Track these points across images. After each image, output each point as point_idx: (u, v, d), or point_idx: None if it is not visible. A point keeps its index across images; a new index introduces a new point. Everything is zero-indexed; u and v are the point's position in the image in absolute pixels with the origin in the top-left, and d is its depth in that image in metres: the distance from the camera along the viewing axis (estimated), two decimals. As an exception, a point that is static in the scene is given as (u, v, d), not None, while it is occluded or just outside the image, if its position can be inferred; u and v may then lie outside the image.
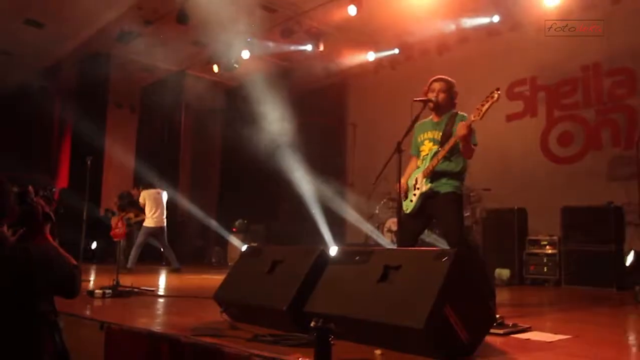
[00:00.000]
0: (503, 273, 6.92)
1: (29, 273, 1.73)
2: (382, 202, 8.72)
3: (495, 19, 8.56)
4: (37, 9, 8.82)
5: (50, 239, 2.08)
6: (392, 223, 8.49)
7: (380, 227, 8.73)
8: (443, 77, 3.74)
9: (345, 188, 10.62)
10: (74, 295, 1.98)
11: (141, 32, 9.85)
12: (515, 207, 7.22)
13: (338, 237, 9.87)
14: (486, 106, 3.34)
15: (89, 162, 6.29)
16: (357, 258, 2.78)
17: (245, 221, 10.14)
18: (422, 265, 2.46)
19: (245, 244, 9.71)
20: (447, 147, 3.50)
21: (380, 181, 7.36)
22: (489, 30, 8.82)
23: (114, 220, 7.41)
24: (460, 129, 3.38)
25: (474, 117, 3.37)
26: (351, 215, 10.33)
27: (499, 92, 3.35)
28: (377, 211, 8.84)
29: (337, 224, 10.02)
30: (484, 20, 8.70)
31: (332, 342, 2.10)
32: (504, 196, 7.57)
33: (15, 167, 11.26)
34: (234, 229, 10.16)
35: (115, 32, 9.88)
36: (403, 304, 2.35)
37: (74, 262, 2.01)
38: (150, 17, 9.14)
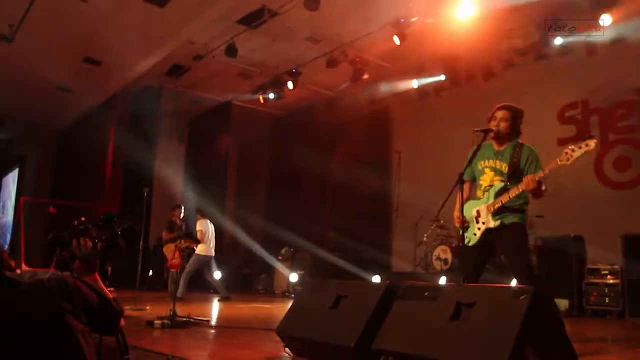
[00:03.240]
0: (561, 304, 6.64)
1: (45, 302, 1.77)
2: (430, 229, 8.58)
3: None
4: (96, 48, 9.29)
5: (87, 279, 2.11)
6: (441, 251, 8.33)
7: (429, 255, 8.58)
8: (508, 105, 3.65)
9: (390, 215, 10.52)
10: (108, 330, 1.95)
11: (191, 66, 10.24)
12: (572, 235, 6.97)
13: (383, 265, 9.73)
14: (578, 153, 3.18)
15: (145, 194, 6.43)
16: (426, 294, 2.73)
17: (292, 249, 10.14)
18: (498, 303, 2.39)
19: (292, 272, 9.70)
20: (520, 188, 3.38)
21: (429, 207, 7.31)
22: (536, 54, 8.68)
23: (168, 250, 7.50)
24: (529, 184, 3.29)
25: (561, 161, 3.24)
26: (397, 242, 10.19)
27: (595, 141, 3.16)
28: (425, 239, 8.70)
29: (382, 251, 9.90)
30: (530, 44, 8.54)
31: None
32: (557, 223, 7.30)
33: (74, 196, 11.78)
34: (280, 257, 10.18)
35: (167, 67, 10.31)
36: (480, 344, 2.28)
37: (109, 295, 2.04)
38: (200, 52, 9.48)
